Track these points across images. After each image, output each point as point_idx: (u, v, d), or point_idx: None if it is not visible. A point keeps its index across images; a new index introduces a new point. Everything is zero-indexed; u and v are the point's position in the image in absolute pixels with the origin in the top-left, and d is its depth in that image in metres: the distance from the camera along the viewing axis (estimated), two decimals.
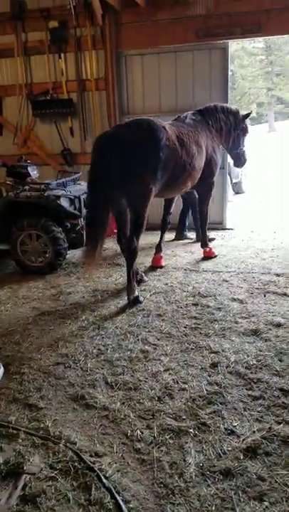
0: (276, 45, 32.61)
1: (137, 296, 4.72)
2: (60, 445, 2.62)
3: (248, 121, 6.30)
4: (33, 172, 6.04)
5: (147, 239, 7.01)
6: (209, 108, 5.93)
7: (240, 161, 6.54)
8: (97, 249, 4.61)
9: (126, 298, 4.76)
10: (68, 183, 6.07)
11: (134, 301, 4.68)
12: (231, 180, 10.39)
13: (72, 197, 5.82)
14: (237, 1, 6.61)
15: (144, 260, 6.04)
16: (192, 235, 7.17)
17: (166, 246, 6.71)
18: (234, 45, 29.34)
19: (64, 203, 5.64)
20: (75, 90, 7.59)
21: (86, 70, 7.52)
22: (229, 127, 6.03)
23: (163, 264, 5.89)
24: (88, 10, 7.08)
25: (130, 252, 4.70)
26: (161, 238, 5.99)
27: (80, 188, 6.24)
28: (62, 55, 7.48)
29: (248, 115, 6.26)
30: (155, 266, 5.84)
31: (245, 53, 33.40)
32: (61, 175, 6.79)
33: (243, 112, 6.25)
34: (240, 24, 6.74)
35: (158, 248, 5.95)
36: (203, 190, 5.96)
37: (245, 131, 6.28)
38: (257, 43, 33.34)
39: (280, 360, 3.43)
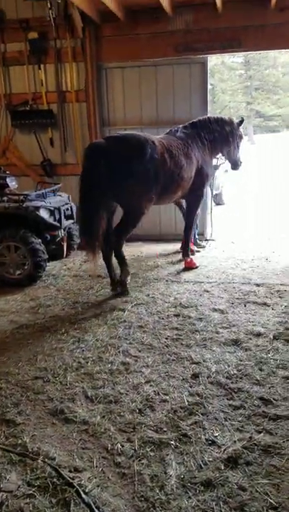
0: (255, 60, 33.41)
1: (128, 282, 5.15)
2: (39, 461, 2.55)
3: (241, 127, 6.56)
4: (12, 183, 5.99)
5: (127, 249, 7.01)
6: (202, 120, 6.12)
7: (237, 165, 6.84)
8: (96, 255, 4.92)
9: (107, 309, 4.79)
10: (48, 194, 6.03)
11: (124, 286, 5.13)
12: (212, 192, 10.48)
13: (52, 208, 5.78)
14: (216, 17, 6.74)
15: None
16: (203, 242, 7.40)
17: (150, 258, 6.71)
18: (214, 60, 29.90)
19: (43, 214, 5.60)
20: (55, 101, 7.58)
21: (66, 81, 7.52)
22: (226, 137, 6.23)
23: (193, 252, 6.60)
24: (68, 22, 7.11)
25: (114, 247, 5.09)
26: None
27: (60, 199, 6.22)
28: (42, 66, 7.48)
29: (241, 122, 6.51)
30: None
31: (225, 68, 34.11)
32: (41, 186, 6.75)
33: (236, 120, 6.45)
34: (219, 39, 6.86)
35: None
36: (193, 200, 6.09)
37: (241, 137, 6.58)
38: (236, 58, 34.10)
39: (260, 370, 3.44)
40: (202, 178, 5.92)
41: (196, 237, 7.23)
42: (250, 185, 14.45)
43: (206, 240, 7.70)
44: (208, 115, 6.53)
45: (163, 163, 5.08)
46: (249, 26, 6.73)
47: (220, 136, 6.15)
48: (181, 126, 5.97)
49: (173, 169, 5.26)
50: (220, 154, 6.64)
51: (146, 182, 4.93)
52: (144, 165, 4.84)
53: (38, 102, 7.67)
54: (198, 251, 6.90)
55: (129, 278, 5.25)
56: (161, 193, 5.27)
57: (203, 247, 7.19)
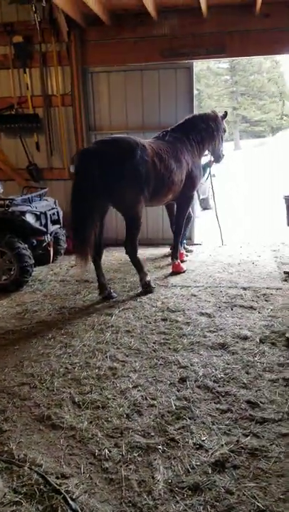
0: (240, 65, 33.79)
1: (150, 281, 5.39)
2: (25, 468, 2.53)
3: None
4: None
5: (115, 255, 7.02)
6: (189, 120, 6.15)
7: (220, 158, 6.89)
8: (87, 260, 4.90)
9: (94, 314, 4.78)
10: (34, 199, 6.00)
11: (147, 286, 5.34)
12: (199, 196, 10.54)
13: (38, 213, 5.75)
14: (201, 22, 6.80)
15: (112, 276, 6.02)
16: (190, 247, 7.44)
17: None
18: (200, 65, 30.16)
19: (30, 218, 5.57)
20: (41, 105, 7.56)
21: (52, 85, 7.51)
22: (212, 133, 6.27)
23: (184, 258, 6.62)
24: (54, 26, 7.11)
25: (129, 253, 5.26)
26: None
27: (47, 203, 6.18)
28: (27, 70, 7.45)
29: (225, 115, 6.57)
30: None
31: (211, 73, 34.46)
32: (27, 190, 6.72)
33: (220, 114, 6.49)
34: (204, 45, 6.91)
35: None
36: (183, 203, 6.12)
37: (225, 130, 6.62)
38: (222, 64, 34.51)
39: (247, 373, 3.46)
40: (192, 180, 5.96)
41: (184, 241, 7.24)
42: (237, 190, 14.55)
43: (192, 244, 7.73)
44: (194, 113, 6.55)
45: (153, 166, 5.15)
46: (234, 32, 6.80)
47: (207, 134, 6.19)
48: (169, 129, 6.00)
49: (163, 172, 5.31)
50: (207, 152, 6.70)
51: (137, 184, 4.97)
52: (135, 166, 4.89)
53: (24, 106, 7.64)
54: (186, 255, 6.91)
55: (147, 278, 5.39)
56: (152, 196, 5.33)
57: (191, 251, 7.21)
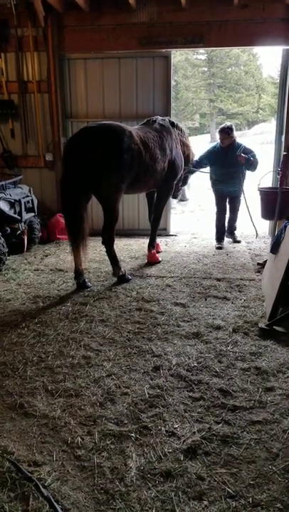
0: (218, 57, 33.79)
1: (124, 274, 5.36)
2: None
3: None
4: None
5: (91, 244, 6.97)
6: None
7: None
8: (82, 250, 5.07)
9: (69, 304, 4.74)
10: (8, 186, 5.90)
11: (122, 279, 5.32)
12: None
13: (13, 200, 5.66)
14: (179, 11, 6.76)
15: (87, 265, 5.99)
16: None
17: None
18: (178, 56, 30.07)
19: (3, 206, 5.49)
20: (16, 91, 7.40)
21: (28, 71, 7.35)
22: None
23: (160, 249, 6.70)
24: (30, 10, 6.93)
25: (105, 242, 5.23)
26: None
27: (21, 191, 6.09)
28: (2, 54, 7.27)
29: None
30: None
31: (189, 64, 34.33)
32: (0, 177, 6.59)
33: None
34: (182, 34, 6.89)
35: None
36: (163, 192, 6.09)
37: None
38: (200, 55, 34.40)
39: (220, 362, 3.51)
40: (174, 169, 5.94)
41: (234, 231, 7.31)
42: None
43: (167, 235, 7.75)
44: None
45: (139, 154, 5.12)
46: (212, 22, 6.79)
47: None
48: (159, 118, 6.01)
49: (148, 161, 5.29)
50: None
51: (121, 172, 4.92)
52: (121, 154, 4.85)
53: None
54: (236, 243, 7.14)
55: (121, 271, 5.37)
56: (134, 184, 5.31)
57: (239, 241, 7.20)
